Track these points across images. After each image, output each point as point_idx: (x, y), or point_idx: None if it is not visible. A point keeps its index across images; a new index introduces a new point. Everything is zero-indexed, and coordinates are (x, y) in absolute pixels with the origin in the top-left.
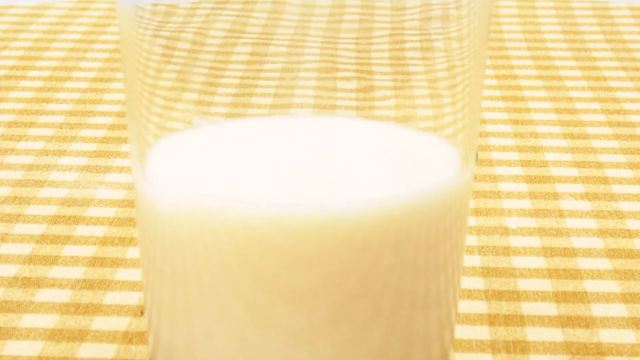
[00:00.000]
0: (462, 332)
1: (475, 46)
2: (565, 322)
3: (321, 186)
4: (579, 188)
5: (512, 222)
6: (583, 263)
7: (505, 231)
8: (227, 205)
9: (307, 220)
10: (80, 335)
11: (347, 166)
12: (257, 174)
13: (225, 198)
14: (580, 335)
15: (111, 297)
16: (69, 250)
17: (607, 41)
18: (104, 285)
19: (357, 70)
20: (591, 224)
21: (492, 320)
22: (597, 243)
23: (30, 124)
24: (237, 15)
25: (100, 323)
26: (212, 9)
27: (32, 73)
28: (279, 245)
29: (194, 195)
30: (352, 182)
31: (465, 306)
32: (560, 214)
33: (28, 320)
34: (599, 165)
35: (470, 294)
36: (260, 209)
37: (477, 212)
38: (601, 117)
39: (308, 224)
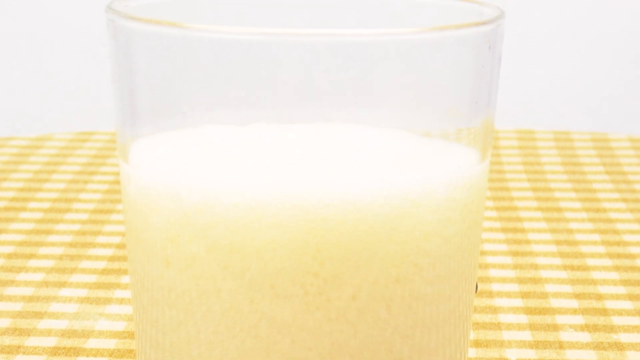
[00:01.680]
0: None
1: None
2: None
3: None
4: (579, 319)
5: (512, 354)
6: None
7: None
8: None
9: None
10: None
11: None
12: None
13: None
14: None
15: None
16: None
17: (607, 173)
18: None
19: None
20: (591, 355)
21: None
22: None
23: (31, 256)
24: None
25: None
26: None
27: (32, 205)
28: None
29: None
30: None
31: None
32: (560, 345)
33: None
34: (599, 297)
35: None
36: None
37: (477, 344)
38: (601, 249)
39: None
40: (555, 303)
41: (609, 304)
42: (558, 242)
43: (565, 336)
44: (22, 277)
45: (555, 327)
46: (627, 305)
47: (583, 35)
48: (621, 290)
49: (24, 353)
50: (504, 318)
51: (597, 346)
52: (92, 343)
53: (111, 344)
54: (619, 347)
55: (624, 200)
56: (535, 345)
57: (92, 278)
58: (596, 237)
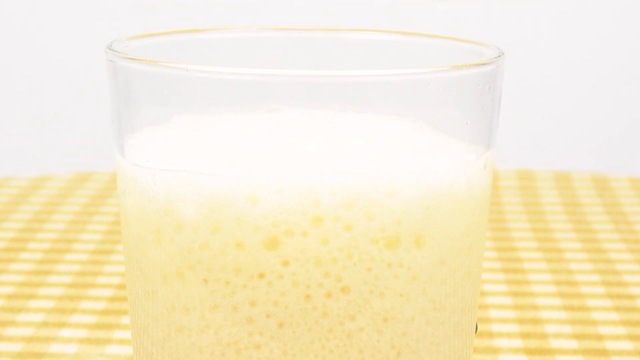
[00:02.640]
0: None
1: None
2: None
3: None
4: (579, 359)
5: None
6: None
7: None
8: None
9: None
10: None
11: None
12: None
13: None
14: None
15: None
16: None
17: (607, 213)
18: None
19: None
20: None
21: None
22: None
23: (31, 296)
24: None
25: None
26: None
27: (32, 245)
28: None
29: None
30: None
31: None
32: None
33: None
34: (599, 338)
35: None
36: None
37: None
38: (601, 289)
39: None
40: (555, 344)
41: (609, 344)
42: (558, 283)
43: None
44: (22, 317)
45: None
46: (628, 345)
47: (583, 77)
48: (621, 330)
49: None
50: (504, 359)
51: None
52: None
53: None
54: None
55: (625, 240)
56: None
57: (92, 318)
58: (596, 277)
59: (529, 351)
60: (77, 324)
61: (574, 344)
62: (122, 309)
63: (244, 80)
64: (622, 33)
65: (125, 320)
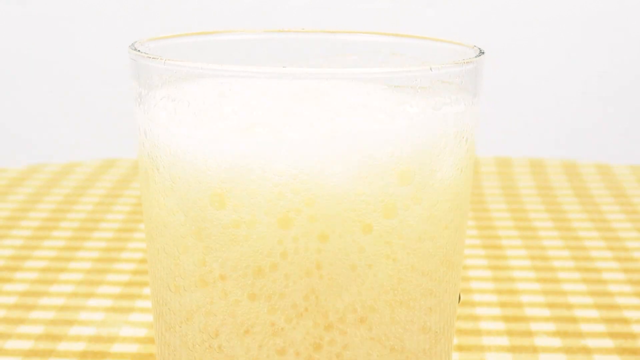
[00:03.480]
0: None
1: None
2: None
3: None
4: (551, 327)
5: (491, 357)
6: None
7: None
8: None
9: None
10: None
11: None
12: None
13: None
14: None
15: None
16: None
17: (576, 195)
18: None
19: None
20: (562, 359)
21: None
22: None
23: (62, 270)
24: None
25: None
26: None
27: (63, 224)
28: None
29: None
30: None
31: None
32: (534, 349)
33: None
34: (569, 307)
35: None
36: None
37: (460, 348)
38: (571, 263)
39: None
40: (529, 312)
41: (578, 312)
42: (532, 258)
43: (539, 341)
44: (54, 288)
45: (530, 334)
46: (594, 313)
47: (555, 76)
48: (589, 300)
49: (56, 356)
50: (484, 325)
51: (567, 350)
52: (116, 347)
53: (134, 348)
54: (587, 351)
55: (592, 220)
56: (512, 349)
57: (116, 290)
58: (566, 253)
59: (506, 319)
60: (104, 295)
61: (546, 312)
62: (144, 281)
63: (244, 73)
64: (592, 36)
65: (146, 291)
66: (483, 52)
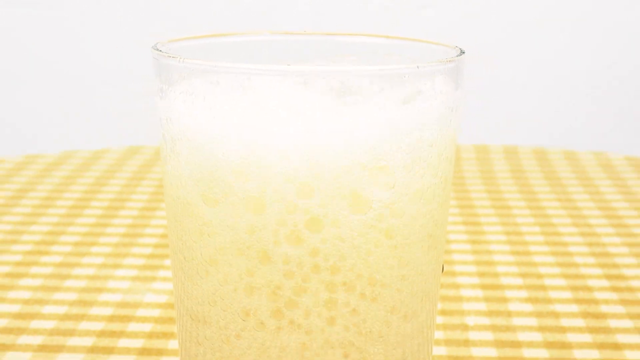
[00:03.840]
0: None
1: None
2: None
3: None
4: (524, 294)
5: (470, 320)
6: (527, 352)
7: (465, 327)
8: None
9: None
10: None
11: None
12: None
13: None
14: None
15: None
16: (122, 343)
17: (545, 178)
18: None
19: None
20: (532, 321)
21: None
22: (537, 337)
23: (92, 244)
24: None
25: None
26: None
27: (94, 203)
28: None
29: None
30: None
31: None
32: (509, 314)
33: None
34: (539, 276)
35: None
36: None
37: (443, 313)
38: (540, 238)
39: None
40: (504, 280)
41: (547, 282)
42: (507, 233)
43: (513, 307)
44: (85, 260)
45: (504, 300)
46: (556, 270)
47: (528, 72)
48: (556, 270)
49: (87, 320)
50: (464, 292)
51: (538, 315)
52: (141, 312)
53: (156, 312)
54: (556, 315)
55: (559, 200)
56: (489, 314)
57: (141, 261)
58: (537, 229)
59: (484, 287)
60: (130, 265)
61: (519, 281)
62: (165, 253)
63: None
64: (562, 37)
65: (167, 262)
66: (463, 52)
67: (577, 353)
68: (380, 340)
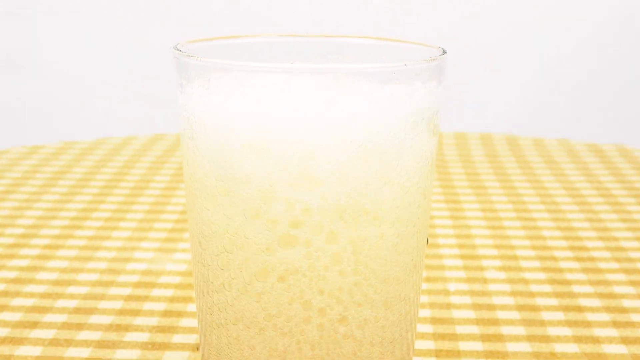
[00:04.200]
0: None
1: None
2: (487, 354)
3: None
4: (497, 263)
5: (451, 286)
6: (501, 314)
7: (447, 292)
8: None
9: None
10: None
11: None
12: None
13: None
14: None
15: (176, 338)
16: (147, 306)
17: (516, 162)
18: (172, 330)
19: None
20: (506, 287)
21: (438, 353)
22: (509, 301)
23: (120, 219)
24: None
25: (168, 355)
26: None
27: (122, 184)
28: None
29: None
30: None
31: (419, 344)
32: (485, 281)
33: (118, 354)
34: (512, 247)
35: (422, 336)
36: None
37: (428, 280)
38: (513, 214)
39: None
40: (481, 252)
41: (519, 252)
42: (484, 210)
43: (489, 274)
44: (115, 234)
45: (481, 268)
46: (530, 253)
47: (501, 71)
48: (527, 242)
49: (116, 286)
50: (446, 262)
51: (510, 281)
52: (163, 279)
53: (176, 279)
54: (525, 282)
55: (529, 181)
56: (468, 280)
57: (163, 235)
58: (510, 206)
59: (463, 257)
60: (153, 239)
61: (494, 252)
62: (184, 228)
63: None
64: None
65: (186, 235)
66: (445, 52)
67: (544, 315)
68: (375, 301)
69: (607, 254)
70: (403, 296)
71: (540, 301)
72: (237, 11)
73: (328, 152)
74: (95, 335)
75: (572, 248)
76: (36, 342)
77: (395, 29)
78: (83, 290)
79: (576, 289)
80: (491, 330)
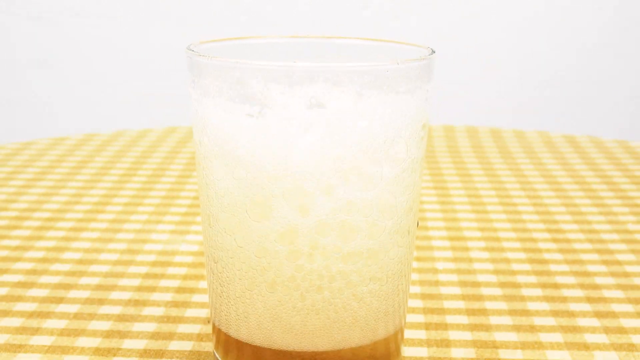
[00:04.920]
0: (406, 334)
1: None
2: (472, 327)
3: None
4: (482, 244)
5: (439, 265)
6: (485, 290)
7: (435, 271)
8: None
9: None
10: (170, 335)
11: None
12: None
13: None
14: (482, 336)
15: (189, 312)
16: (163, 283)
17: (499, 152)
18: (185, 305)
19: None
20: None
21: (427, 326)
22: (492, 278)
23: (137, 204)
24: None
25: (182, 328)
26: None
27: (140, 172)
28: None
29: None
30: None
31: (410, 318)
32: (470, 260)
33: (136, 327)
34: (495, 230)
35: (413, 310)
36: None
37: (418, 259)
38: (495, 200)
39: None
40: (467, 234)
41: (501, 234)
42: (469, 196)
43: (474, 254)
44: (133, 217)
45: (467, 249)
46: (512, 235)
47: (482, 69)
48: (508, 225)
49: (135, 265)
50: (434, 243)
51: (493, 261)
52: (177, 259)
53: (189, 259)
54: (508, 261)
55: (511, 169)
56: (454, 260)
57: (177, 218)
58: (493, 192)
59: (450, 238)
60: (168, 222)
61: (477, 234)
62: (196, 212)
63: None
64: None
65: (198, 219)
66: (434, 52)
67: (524, 291)
68: (372, 265)
69: (581, 236)
70: (397, 269)
71: (520, 279)
72: (237, 11)
73: (325, 147)
74: (116, 310)
75: (549, 230)
76: (62, 315)
77: (403, 24)
78: (105, 268)
79: (553, 267)
80: (476, 305)
